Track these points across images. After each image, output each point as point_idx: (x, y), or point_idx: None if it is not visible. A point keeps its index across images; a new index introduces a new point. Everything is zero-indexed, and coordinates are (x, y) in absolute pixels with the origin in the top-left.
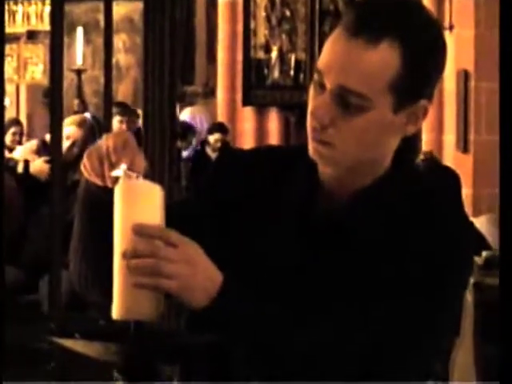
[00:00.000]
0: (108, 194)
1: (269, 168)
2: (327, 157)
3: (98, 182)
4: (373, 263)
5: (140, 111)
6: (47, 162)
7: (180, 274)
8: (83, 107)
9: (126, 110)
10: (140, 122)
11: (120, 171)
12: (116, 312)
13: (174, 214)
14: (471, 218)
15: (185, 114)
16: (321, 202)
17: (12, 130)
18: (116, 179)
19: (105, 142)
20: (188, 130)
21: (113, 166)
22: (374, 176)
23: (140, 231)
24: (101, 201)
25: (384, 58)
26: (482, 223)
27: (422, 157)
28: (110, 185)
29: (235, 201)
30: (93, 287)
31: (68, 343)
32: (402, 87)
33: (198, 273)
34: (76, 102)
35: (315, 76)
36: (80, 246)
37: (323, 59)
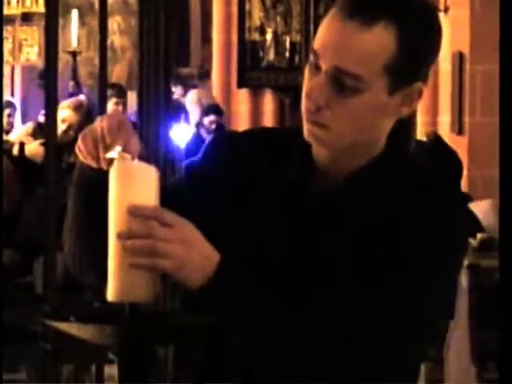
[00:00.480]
0: (103, 176)
1: (263, 150)
2: (322, 139)
3: (93, 164)
4: (367, 245)
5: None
6: (42, 144)
7: (176, 253)
8: (78, 89)
9: (122, 92)
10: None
11: (115, 153)
12: (111, 294)
13: (169, 196)
14: (472, 203)
15: (190, 97)
16: (316, 184)
17: (6, 112)
18: (111, 161)
19: (99, 123)
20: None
21: (107, 148)
22: (369, 157)
23: (135, 212)
24: (96, 183)
25: (379, 39)
26: (483, 208)
27: (425, 138)
28: (104, 167)
29: (228, 183)
30: (87, 269)
31: (62, 326)
32: (397, 69)
33: (193, 252)
34: (71, 83)
35: (311, 57)
36: (74, 228)
37: (318, 40)
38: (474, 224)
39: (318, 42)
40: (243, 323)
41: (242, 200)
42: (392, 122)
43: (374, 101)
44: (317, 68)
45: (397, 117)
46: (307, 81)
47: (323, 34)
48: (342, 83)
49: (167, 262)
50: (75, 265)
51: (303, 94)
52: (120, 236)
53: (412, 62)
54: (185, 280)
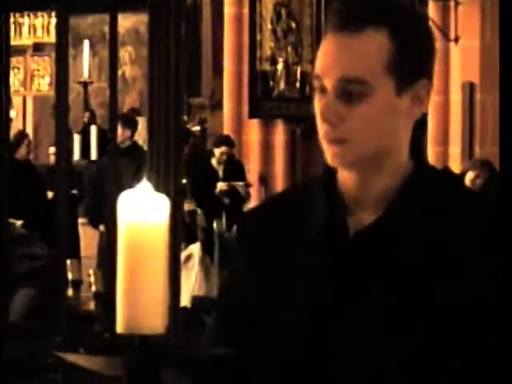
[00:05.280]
0: None
1: (286, 211)
2: (345, 155)
3: None
4: (427, 287)
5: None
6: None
7: None
8: (93, 119)
9: (132, 122)
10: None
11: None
12: (120, 326)
13: (231, 298)
14: None
15: None
16: (349, 225)
17: (25, 141)
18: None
19: None
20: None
21: None
22: (397, 171)
23: None
24: None
25: (373, 41)
26: None
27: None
28: None
29: (267, 257)
30: None
31: (71, 358)
32: (397, 68)
33: None
34: (86, 114)
35: (315, 83)
36: None
37: (318, 64)
38: None
39: (318, 66)
40: None
41: (281, 268)
42: (410, 127)
43: (383, 103)
44: (323, 91)
45: (412, 120)
46: (317, 107)
47: (321, 57)
48: (348, 93)
49: None
50: None
51: (317, 121)
52: None
53: (410, 59)
54: None
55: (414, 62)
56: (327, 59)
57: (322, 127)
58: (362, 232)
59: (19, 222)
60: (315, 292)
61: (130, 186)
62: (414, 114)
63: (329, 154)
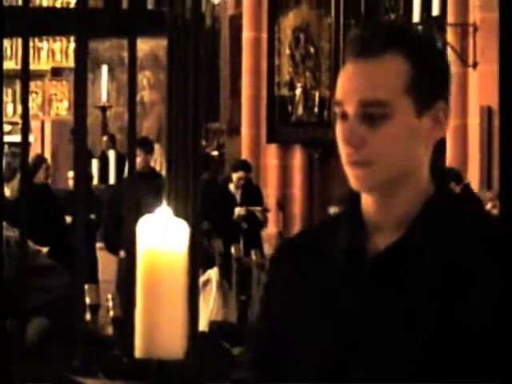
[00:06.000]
0: None
1: (315, 241)
2: (369, 177)
3: None
4: (446, 308)
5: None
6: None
7: None
8: (112, 144)
9: (149, 146)
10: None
11: None
12: (139, 350)
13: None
14: None
15: None
16: (369, 249)
17: (44, 165)
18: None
19: None
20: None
21: None
22: (417, 198)
23: None
24: None
25: (391, 65)
26: None
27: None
28: None
29: (298, 293)
30: None
31: (90, 382)
32: (416, 90)
33: None
34: (104, 138)
35: (336, 110)
36: None
37: (339, 90)
38: None
39: (338, 93)
40: None
41: (311, 298)
42: (430, 150)
43: (404, 124)
44: (344, 116)
45: (432, 142)
46: (339, 133)
47: (342, 83)
48: (370, 115)
49: None
50: None
51: (340, 146)
52: None
53: (428, 81)
54: None
55: (431, 84)
56: (347, 85)
57: (345, 151)
58: (383, 253)
59: (45, 250)
60: (340, 316)
61: (148, 211)
62: (434, 136)
63: (352, 177)
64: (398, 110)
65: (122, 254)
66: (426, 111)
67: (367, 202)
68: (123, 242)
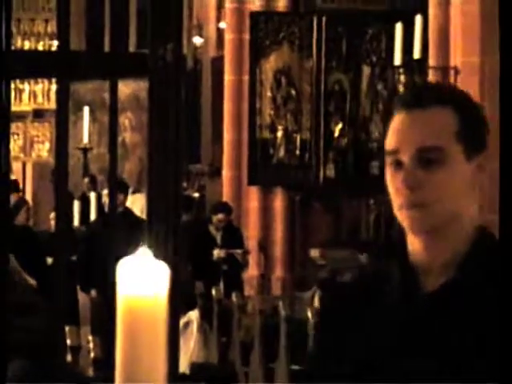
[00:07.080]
0: None
1: (367, 288)
2: (424, 219)
3: None
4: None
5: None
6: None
7: None
8: (93, 185)
9: (125, 188)
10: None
11: None
12: (119, 380)
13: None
14: None
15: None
16: (421, 289)
17: (24, 207)
18: None
19: None
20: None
21: None
22: (464, 240)
23: None
24: None
25: (441, 116)
26: None
27: None
28: None
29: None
30: None
31: None
32: (465, 137)
33: None
34: (85, 180)
35: (388, 159)
36: None
37: (393, 140)
38: None
39: (392, 142)
40: None
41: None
42: (475, 196)
43: (456, 168)
44: (398, 164)
45: (477, 186)
46: (393, 180)
47: (396, 132)
48: (427, 160)
49: None
50: None
51: (392, 194)
52: None
53: (473, 130)
54: None
55: (476, 132)
56: (402, 134)
57: (400, 196)
58: (439, 291)
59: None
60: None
61: (125, 253)
62: (479, 180)
63: (408, 220)
64: (451, 155)
65: (93, 293)
66: (474, 157)
67: (414, 244)
68: (95, 281)
